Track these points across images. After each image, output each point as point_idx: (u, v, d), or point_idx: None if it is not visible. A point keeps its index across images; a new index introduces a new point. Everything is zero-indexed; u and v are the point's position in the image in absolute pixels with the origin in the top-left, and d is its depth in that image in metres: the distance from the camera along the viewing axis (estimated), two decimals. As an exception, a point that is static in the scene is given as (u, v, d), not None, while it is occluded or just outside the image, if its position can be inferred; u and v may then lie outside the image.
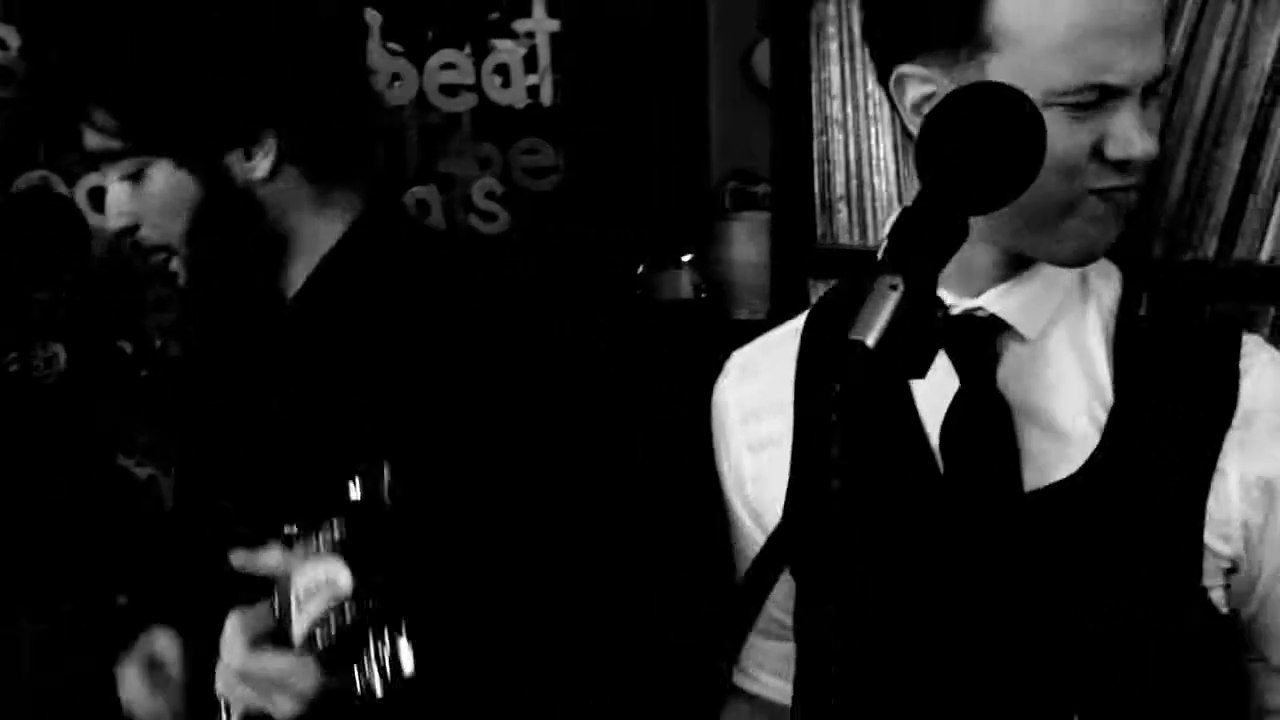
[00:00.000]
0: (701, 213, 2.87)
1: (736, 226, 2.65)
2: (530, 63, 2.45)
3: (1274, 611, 1.39)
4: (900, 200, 2.06)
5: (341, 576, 1.18)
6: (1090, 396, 1.39)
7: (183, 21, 1.60)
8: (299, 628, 1.21)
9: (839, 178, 2.20)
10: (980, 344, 1.42)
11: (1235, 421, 1.34)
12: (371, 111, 1.72)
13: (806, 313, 1.54)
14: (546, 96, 2.44)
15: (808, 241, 2.10)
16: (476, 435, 1.54)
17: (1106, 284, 1.44)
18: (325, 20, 1.68)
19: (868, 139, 2.17)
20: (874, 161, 2.18)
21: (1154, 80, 1.31)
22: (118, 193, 1.60)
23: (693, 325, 2.65)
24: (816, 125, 2.13)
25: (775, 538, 1.25)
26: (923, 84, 1.32)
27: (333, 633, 1.17)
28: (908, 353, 1.15)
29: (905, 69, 1.34)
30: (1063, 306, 1.41)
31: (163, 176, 1.57)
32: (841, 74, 2.17)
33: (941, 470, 1.42)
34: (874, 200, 2.21)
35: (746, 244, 2.61)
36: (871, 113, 2.18)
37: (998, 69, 1.29)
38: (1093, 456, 1.37)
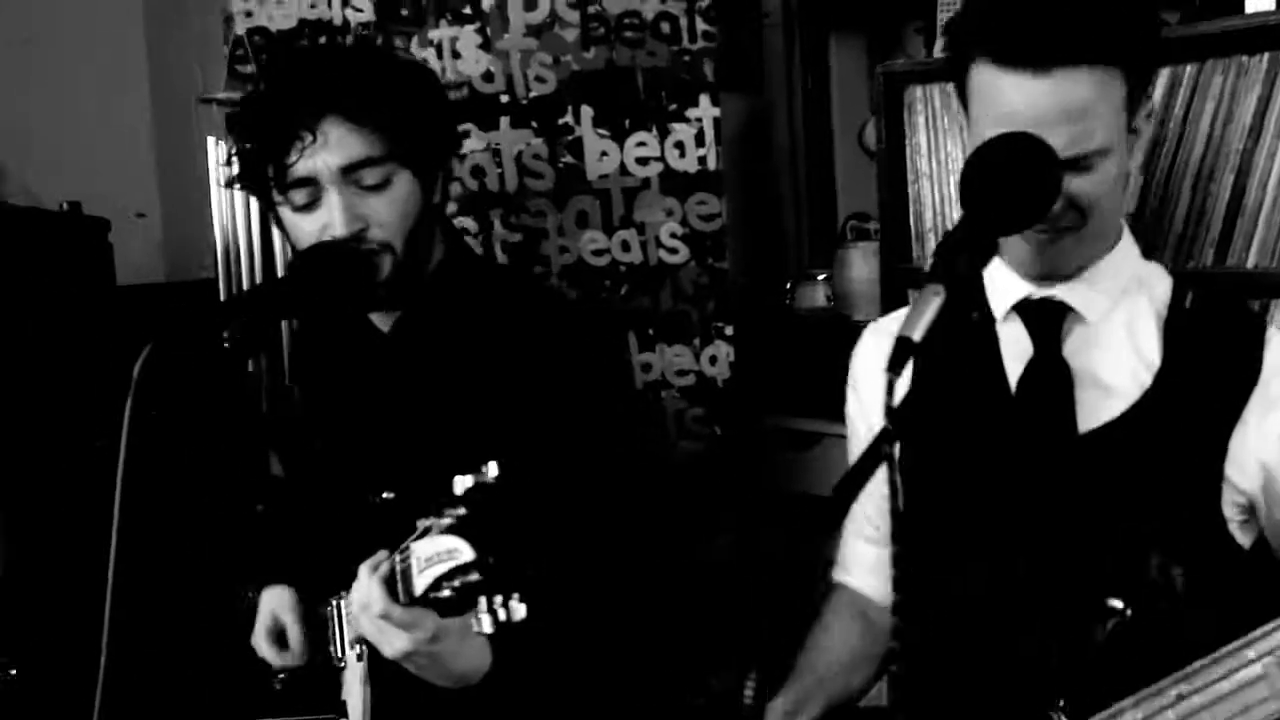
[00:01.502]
0: (830, 243, 3.17)
1: (855, 253, 2.94)
2: (700, 139, 2.61)
3: None
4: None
5: (462, 549, 1.24)
6: (1137, 364, 1.54)
7: (423, 75, 1.80)
8: (420, 584, 1.29)
9: (927, 215, 2.45)
10: (1051, 324, 1.58)
11: (1259, 384, 1.49)
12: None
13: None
14: (711, 163, 2.61)
15: (906, 263, 2.42)
16: (565, 427, 1.67)
17: (1160, 283, 1.60)
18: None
19: (946, 185, 2.42)
20: (951, 201, 2.44)
21: (1079, 156, 1.44)
22: (355, 198, 1.67)
23: (825, 325, 2.93)
24: (910, 177, 2.41)
25: (864, 457, 1.28)
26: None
27: (456, 586, 1.24)
28: (954, 339, 1.33)
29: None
30: (1121, 298, 1.58)
31: (404, 184, 1.69)
32: (927, 139, 2.44)
33: (1017, 413, 1.57)
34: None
35: (862, 265, 2.88)
36: (950, 166, 2.38)
37: (975, 134, 1.49)
38: (1134, 405, 1.52)
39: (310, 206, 1.67)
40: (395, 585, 1.39)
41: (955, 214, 2.32)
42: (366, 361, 1.82)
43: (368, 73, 1.71)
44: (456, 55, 2.65)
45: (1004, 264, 1.60)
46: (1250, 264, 2.10)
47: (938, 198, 2.46)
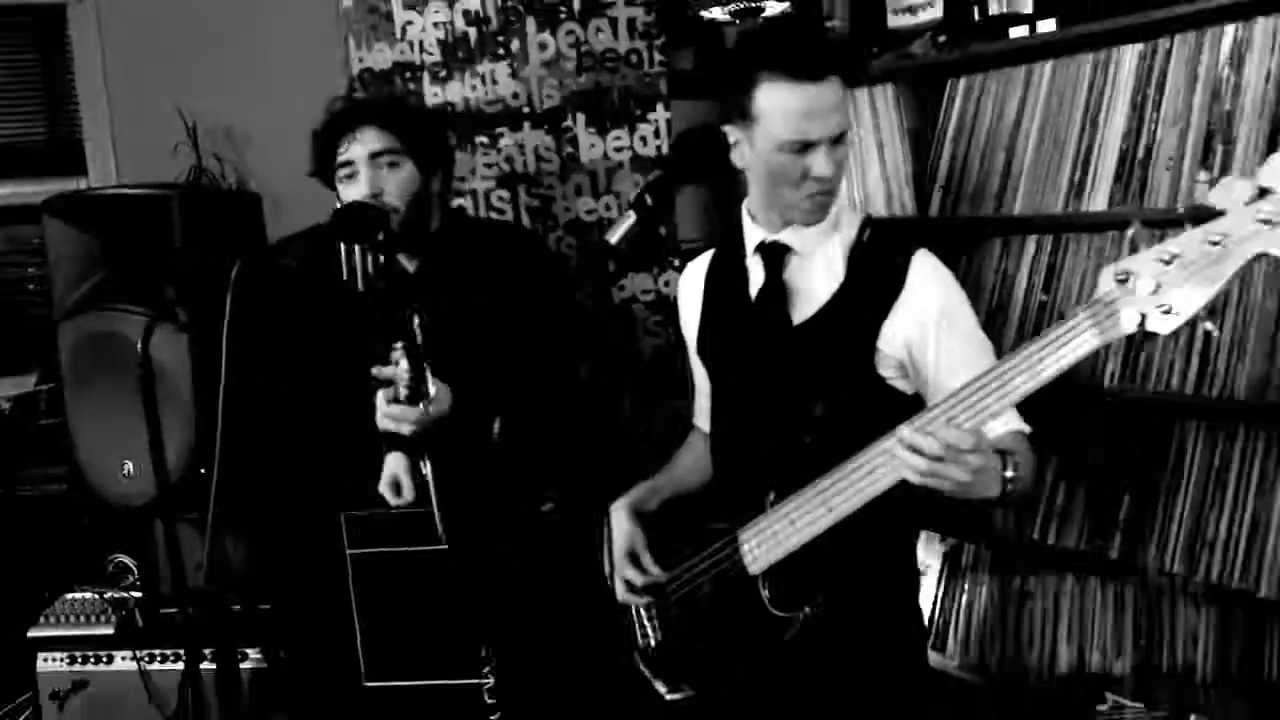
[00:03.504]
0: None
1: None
2: (657, 133, 3.05)
3: (938, 390, 1.78)
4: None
5: (403, 363, 1.82)
6: (829, 279, 1.87)
7: (426, 110, 2.48)
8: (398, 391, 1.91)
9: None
10: (777, 257, 1.90)
11: (903, 289, 1.83)
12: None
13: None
14: (665, 149, 3.01)
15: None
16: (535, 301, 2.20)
17: (849, 224, 1.93)
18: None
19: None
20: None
21: (835, 136, 1.79)
22: (378, 173, 2.15)
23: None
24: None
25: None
26: (735, 136, 1.87)
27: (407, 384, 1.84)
28: (643, 250, 1.72)
29: (726, 128, 1.88)
30: (822, 236, 1.90)
31: (409, 169, 2.23)
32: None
33: (756, 315, 1.92)
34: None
35: None
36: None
37: (760, 130, 1.80)
38: (822, 306, 1.86)
39: (351, 179, 2.21)
40: None
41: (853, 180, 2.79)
42: (404, 288, 2.35)
43: (389, 102, 2.36)
44: (495, 81, 3.16)
45: (752, 221, 1.95)
46: (1016, 210, 2.57)
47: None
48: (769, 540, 1.79)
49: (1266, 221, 1.37)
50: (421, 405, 2.00)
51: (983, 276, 2.66)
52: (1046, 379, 1.53)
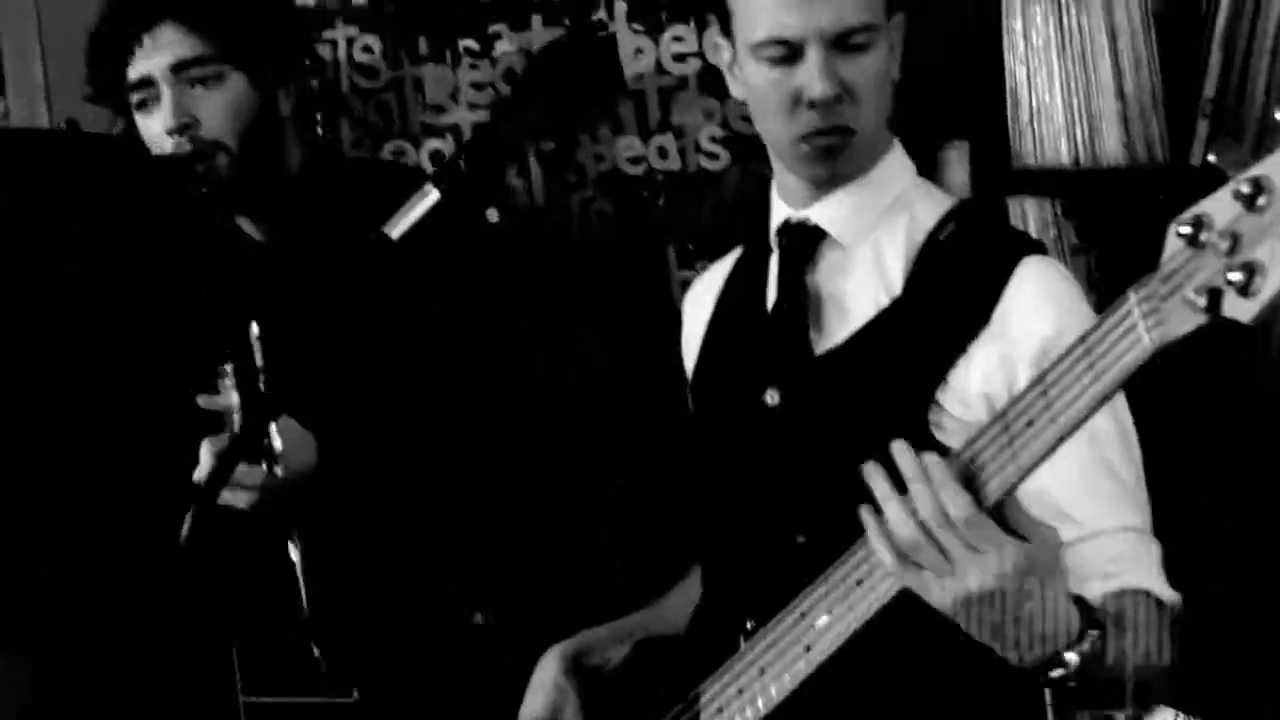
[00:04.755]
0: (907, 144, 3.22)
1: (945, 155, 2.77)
2: None
3: (1030, 495, 1.51)
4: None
5: (234, 396, 1.73)
6: (878, 286, 1.63)
7: None
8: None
9: (1024, 109, 2.52)
10: (803, 249, 1.67)
11: (991, 319, 1.56)
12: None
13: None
14: None
15: (1002, 166, 2.50)
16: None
17: (926, 207, 1.66)
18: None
19: (1042, 72, 2.48)
20: (1050, 89, 2.51)
21: (837, 34, 1.54)
22: (187, 94, 1.93)
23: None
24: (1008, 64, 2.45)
25: None
26: (726, 51, 1.64)
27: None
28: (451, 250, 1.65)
29: (717, 40, 1.67)
30: (879, 222, 1.65)
31: (236, 85, 1.95)
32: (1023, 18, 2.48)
33: (767, 339, 1.69)
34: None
35: (957, 169, 2.66)
36: (1048, 48, 2.42)
37: (739, 33, 1.60)
38: (863, 326, 1.61)
39: (147, 106, 1.92)
40: None
41: (1057, 101, 2.48)
42: (245, 269, 2.05)
43: None
44: None
45: (777, 192, 1.70)
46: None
47: (1033, 85, 2.48)
48: (735, 703, 1.58)
49: None
50: (265, 464, 1.82)
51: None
52: (1087, 409, 1.27)
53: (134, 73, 1.95)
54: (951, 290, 1.61)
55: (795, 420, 1.64)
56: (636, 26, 2.61)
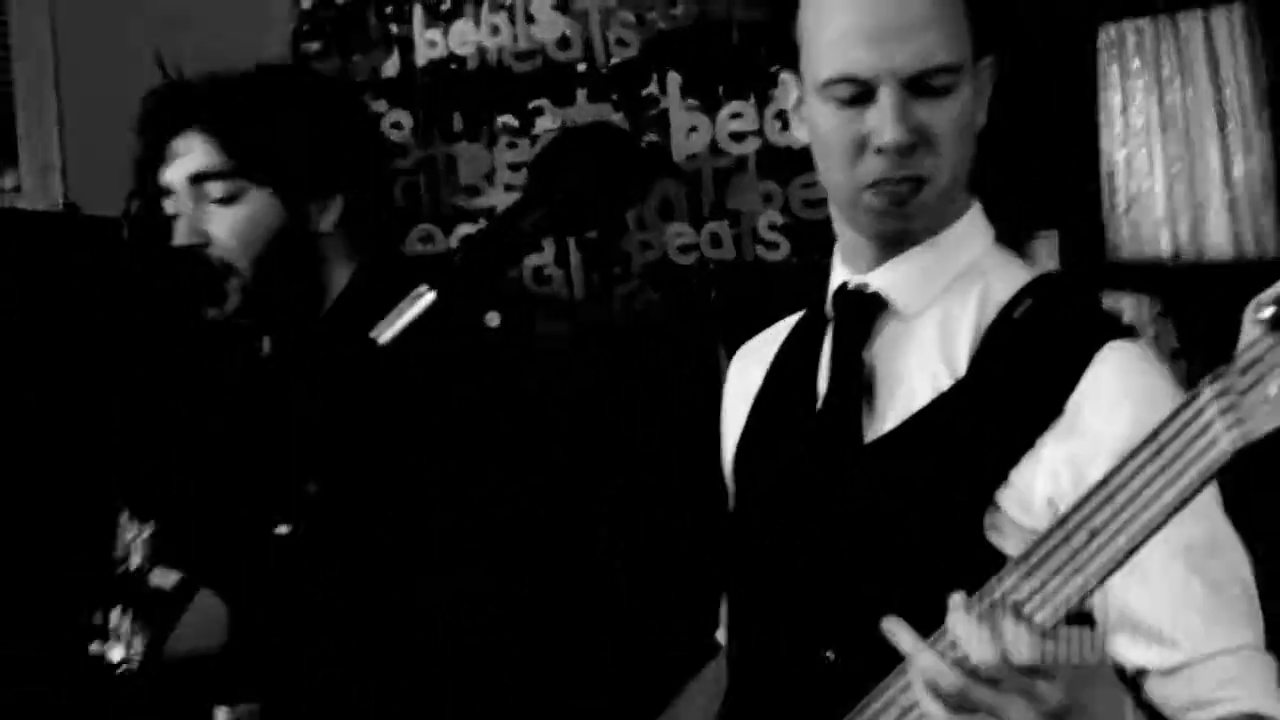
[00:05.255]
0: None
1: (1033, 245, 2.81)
2: None
3: (1107, 626, 1.46)
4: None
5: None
6: (941, 366, 1.54)
7: (306, 94, 1.98)
8: None
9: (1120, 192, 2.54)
10: (859, 320, 1.58)
11: (1064, 413, 1.46)
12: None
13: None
14: None
15: (1097, 254, 2.48)
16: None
17: (1003, 279, 1.57)
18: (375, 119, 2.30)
19: (1140, 153, 2.42)
20: (1148, 174, 2.49)
21: (915, 74, 1.45)
22: (203, 210, 1.87)
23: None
24: (1104, 145, 2.45)
25: None
26: (793, 90, 1.55)
27: None
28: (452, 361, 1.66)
29: (784, 76, 1.56)
30: (948, 291, 1.56)
31: (256, 203, 1.87)
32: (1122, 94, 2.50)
33: (817, 423, 1.60)
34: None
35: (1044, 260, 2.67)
36: (1148, 128, 2.41)
37: (806, 72, 1.50)
38: (920, 410, 1.53)
39: (176, 218, 1.90)
40: None
41: (1158, 188, 2.44)
42: (252, 385, 2.03)
43: (233, 88, 1.93)
44: (530, 19, 2.69)
45: (837, 253, 1.65)
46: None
47: (1131, 170, 2.46)
48: None
49: None
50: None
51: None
52: (1160, 518, 1.17)
53: (162, 179, 1.91)
54: (1022, 375, 1.50)
55: (834, 518, 1.56)
56: (691, 102, 2.58)
